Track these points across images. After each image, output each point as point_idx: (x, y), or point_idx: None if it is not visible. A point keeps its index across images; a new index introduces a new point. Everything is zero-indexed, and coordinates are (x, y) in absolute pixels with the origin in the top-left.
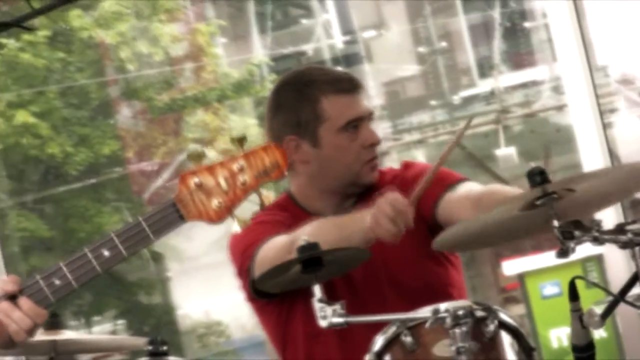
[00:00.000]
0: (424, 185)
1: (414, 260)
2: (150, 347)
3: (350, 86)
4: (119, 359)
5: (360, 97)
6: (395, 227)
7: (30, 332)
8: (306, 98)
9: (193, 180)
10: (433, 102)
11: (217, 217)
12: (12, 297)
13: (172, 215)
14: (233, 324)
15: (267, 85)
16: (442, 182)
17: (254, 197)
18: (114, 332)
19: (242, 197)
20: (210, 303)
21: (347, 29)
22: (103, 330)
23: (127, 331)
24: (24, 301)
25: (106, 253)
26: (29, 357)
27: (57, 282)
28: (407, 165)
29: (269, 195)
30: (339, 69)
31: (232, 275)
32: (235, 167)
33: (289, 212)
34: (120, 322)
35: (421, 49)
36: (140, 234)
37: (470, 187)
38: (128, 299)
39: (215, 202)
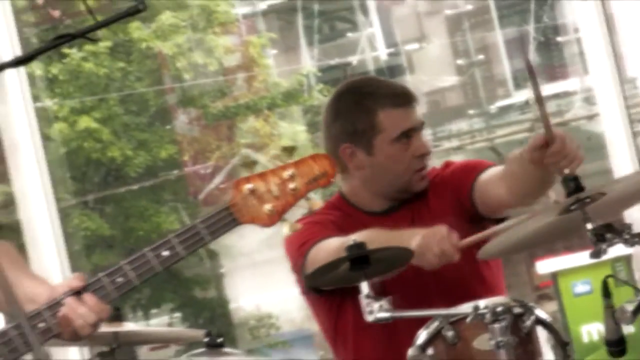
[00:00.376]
0: (476, 239)
1: (460, 263)
2: (207, 339)
3: (406, 100)
4: (175, 350)
5: (413, 109)
6: (438, 262)
7: (95, 326)
8: (364, 109)
9: (246, 187)
10: (471, 111)
11: (269, 221)
12: (77, 294)
13: (227, 219)
14: (282, 317)
15: (315, 94)
16: (473, 170)
17: (301, 202)
18: (170, 325)
19: (292, 203)
20: (261, 297)
21: (390, 42)
22: (160, 323)
23: (183, 323)
24: (88, 297)
25: (165, 253)
26: (92, 347)
27: (119, 279)
28: (447, 164)
29: (318, 202)
30: (396, 82)
31: (283, 271)
32: (285, 174)
33: (342, 211)
34: (177, 315)
35: (460, 62)
36: (197, 236)
37: (496, 168)
38: (184, 293)
39: (267, 207)
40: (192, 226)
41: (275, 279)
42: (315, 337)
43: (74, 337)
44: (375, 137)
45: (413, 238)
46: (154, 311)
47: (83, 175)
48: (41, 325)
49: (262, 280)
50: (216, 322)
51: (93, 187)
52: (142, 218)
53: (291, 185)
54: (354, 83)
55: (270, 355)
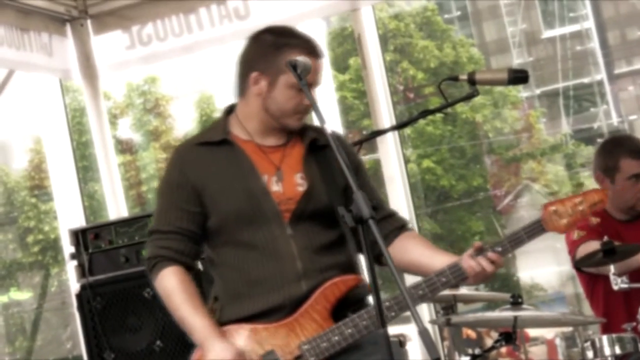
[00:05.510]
0: None
1: None
2: (512, 298)
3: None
4: (481, 304)
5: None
6: None
7: (493, 273)
8: (610, 157)
9: (551, 208)
10: None
11: (565, 230)
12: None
13: (538, 228)
14: (546, 285)
15: (570, 146)
16: None
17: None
18: (476, 289)
19: (580, 219)
20: (534, 272)
21: (619, 114)
22: (470, 288)
23: (484, 289)
24: (490, 253)
25: (499, 248)
26: (438, 303)
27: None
28: None
29: (595, 219)
30: (634, 138)
31: (548, 256)
32: (577, 200)
33: (603, 218)
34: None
35: None
36: (520, 238)
37: None
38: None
39: (564, 221)
40: (517, 231)
41: (542, 261)
42: (567, 297)
43: (478, 282)
44: (616, 174)
45: None
46: None
47: (425, 195)
48: (454, 274)
49: (535, 262)
50: (506, 288)
51: (431, 203)
52: (461, 222)
53: (580, 208)
54: (607, 139)
55: (541, 308)
